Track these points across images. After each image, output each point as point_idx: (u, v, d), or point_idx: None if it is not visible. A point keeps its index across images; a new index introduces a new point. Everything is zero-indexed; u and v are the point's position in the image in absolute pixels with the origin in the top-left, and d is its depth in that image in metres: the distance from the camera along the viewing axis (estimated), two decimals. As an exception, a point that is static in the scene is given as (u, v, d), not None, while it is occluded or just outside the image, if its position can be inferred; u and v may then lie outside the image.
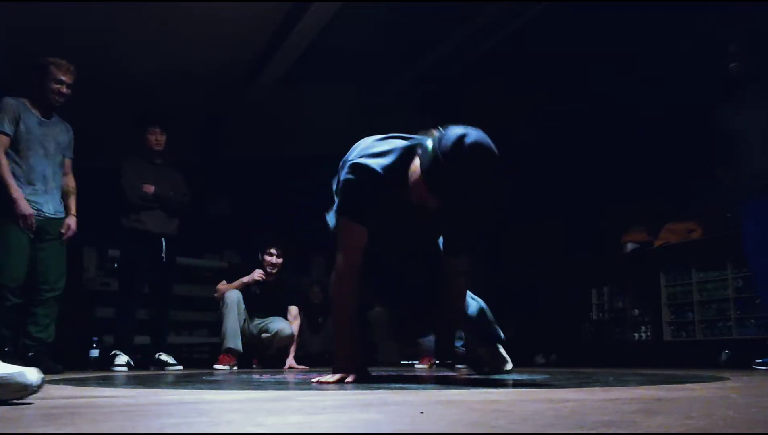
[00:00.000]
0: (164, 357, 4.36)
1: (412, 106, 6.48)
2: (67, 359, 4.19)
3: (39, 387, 1.32)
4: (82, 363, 4.57)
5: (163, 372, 3.96)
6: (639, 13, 4.77)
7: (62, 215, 3.65)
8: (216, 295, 4.69)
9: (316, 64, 5.70)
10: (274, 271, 4.70)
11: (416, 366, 5.06)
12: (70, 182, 3.74)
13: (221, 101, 6.18)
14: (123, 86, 5.31)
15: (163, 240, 4.40)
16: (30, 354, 3.43)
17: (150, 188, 4.36)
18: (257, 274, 4.64)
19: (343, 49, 5.62)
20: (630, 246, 5.54)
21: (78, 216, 3.72)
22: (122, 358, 4.15)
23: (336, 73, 6.00)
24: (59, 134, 3.65)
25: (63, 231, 3.63)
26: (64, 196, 3.69)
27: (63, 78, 3.56)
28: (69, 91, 3.59)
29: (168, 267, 4.47)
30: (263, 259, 4.72)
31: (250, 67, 5.73)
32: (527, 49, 5.47)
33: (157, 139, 4.46)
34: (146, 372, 3.84)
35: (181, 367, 4.27)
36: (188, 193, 4.59)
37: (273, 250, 4.72)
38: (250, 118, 6.30)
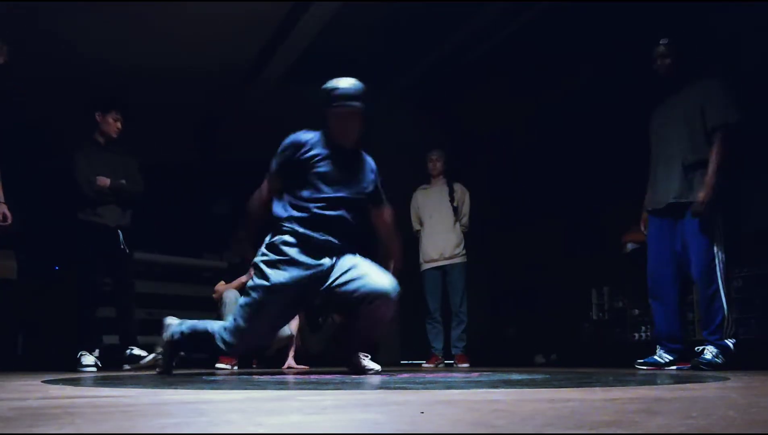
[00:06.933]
0: (137, 351, 4.12)
1: (412, 106, 6.48)
2: (66, 359, 4.19)
3: None
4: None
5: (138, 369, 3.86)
6: (640, 12, 4.78)
7: None
8: (214, 295, 4.68)
9: (315, 65, 5.70)
10: None
11: (423, 365, 5.10)
12: None
13: (221, 101, 6.18)
14: (123, 86, 5.31)
15: (120, 232, 4.20)
16: None
17: (105, 181, 4.14)
18: None
19: (343, 50, 5.62)
20: (630, 246, 5.54)
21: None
22: (88, 359, 4.03)
23: (336, 74, 6.00)
24: None
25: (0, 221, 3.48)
26: None
27: None
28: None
29: (127, 261, 4.28)
30: None
31: (250, 67, 5.73)
32: (528, 49, 5.47)
33: (119, 125, 4.24)
34: (121, 372, 3.76)
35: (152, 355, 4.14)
36: (141, 182, 4.37)
37: None
38: (250, 118, 6.30)
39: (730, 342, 3.38)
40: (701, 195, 3.38)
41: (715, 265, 3.42)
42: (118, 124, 4.26)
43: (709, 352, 3.36)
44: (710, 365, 3.31)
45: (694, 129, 3.51)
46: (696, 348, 3.48)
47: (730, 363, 3.36)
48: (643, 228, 3.95)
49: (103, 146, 4.27)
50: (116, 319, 4.40)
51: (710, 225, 3.43)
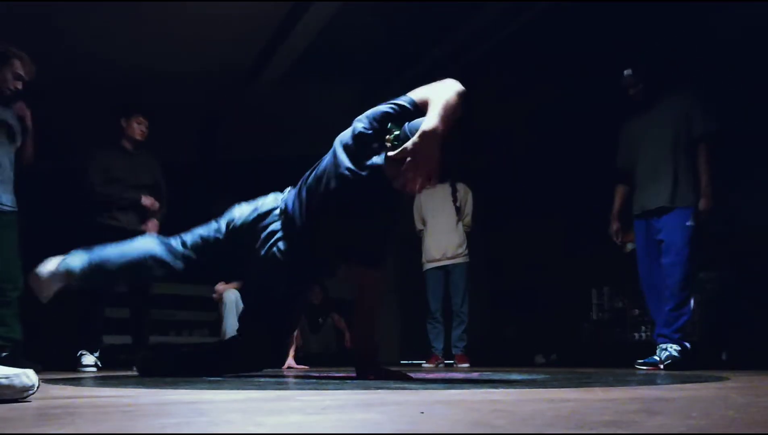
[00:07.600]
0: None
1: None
2: (66, 359, 4.19)
3: (37, 388, 1.32)
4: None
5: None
6: (640, 12, 4.78)
7: (15, 208, 3.53)
8: (214, 295, 4.69)
9: (316, 64, 5.70)
10: None
11: (423, 365, 5.11)
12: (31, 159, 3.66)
13: (221, 101, 6.18)
14: (123, 87, 5.31)
15: None
16: (4, 354, 3.35)
17: (153, 203, 4.18)
18: None
19: (344, 49, 5.62)
20: (630, 246, 5.53)
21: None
22: (89, 359, 4.04)
23: (336, 73, 6.00)
24: (12, 120, 3.52)
25: None
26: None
27: (23, 74, 3.47)
28: (22, 88, 3.50)
29: None
30: None
31: (250, 67, 5.73)
32: (529, 49, 5.47)
33: (143, 129, 4.30)
34: (126, 372, 3.77)
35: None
36: (164, 183, 4.40)
37: None
38: (250, 118, 6.30)
39: (687, 344, 3.51)
40: (703, 202, 3.47)
41: (691, 270, 3.53)
42: (143, 128, 4.31)
43: (674, 349, 3.48)
44: (673, 360, 3.44)
45: (679, 136, 3.59)
46: (659, 347, 3.57)
47: (686, 364, 3.47)
48: (616, 238, 4.05)
49: (128, 151, 4.30)
50: (129, 320, 4.40)
51: (691, 230, 3.51)
